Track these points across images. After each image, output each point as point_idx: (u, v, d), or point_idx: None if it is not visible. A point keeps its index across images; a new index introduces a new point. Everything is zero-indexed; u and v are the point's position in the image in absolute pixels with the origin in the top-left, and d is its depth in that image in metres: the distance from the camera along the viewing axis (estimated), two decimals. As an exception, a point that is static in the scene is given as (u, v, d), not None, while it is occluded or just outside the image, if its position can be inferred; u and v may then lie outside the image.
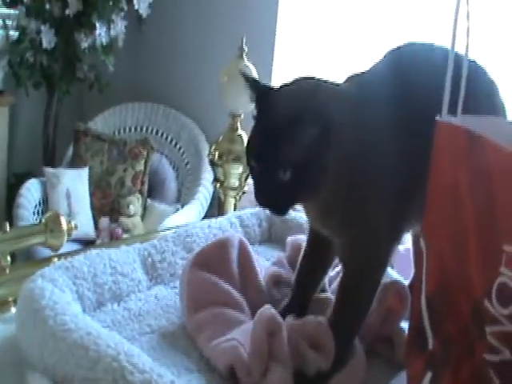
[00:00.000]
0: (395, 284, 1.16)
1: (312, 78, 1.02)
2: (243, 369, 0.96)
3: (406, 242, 2.23)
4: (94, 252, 1.17)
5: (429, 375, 0.80)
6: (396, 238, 1.06)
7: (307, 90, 0.96)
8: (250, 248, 1.21)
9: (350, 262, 1.05)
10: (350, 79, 1.07)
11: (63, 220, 1.40)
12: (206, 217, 3.17)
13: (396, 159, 1.00)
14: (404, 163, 1.00)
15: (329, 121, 0.93)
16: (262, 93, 1.00)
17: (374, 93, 1.03)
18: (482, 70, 1.10)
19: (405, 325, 1.11)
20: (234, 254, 1.18)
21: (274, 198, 0.96)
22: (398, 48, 1.10)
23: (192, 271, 1.14)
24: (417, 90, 1.03)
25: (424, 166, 0.87)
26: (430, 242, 0.83)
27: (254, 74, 2.08)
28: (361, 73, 1.08)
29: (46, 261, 1.29)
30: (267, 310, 1.01)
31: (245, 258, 1.19)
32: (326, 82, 1.02)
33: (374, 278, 1.05)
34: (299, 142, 0.92)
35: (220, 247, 1.18)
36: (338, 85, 1.04)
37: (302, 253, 1.17)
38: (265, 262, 1.40)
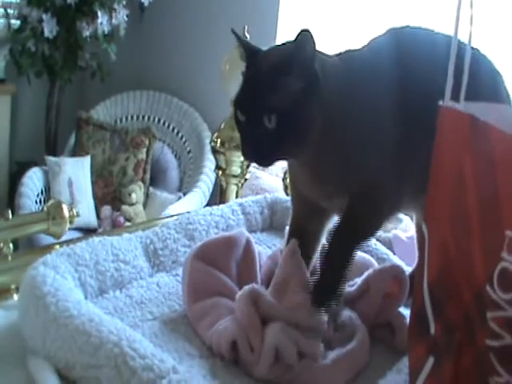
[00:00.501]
0: (394, 268, 1.16)
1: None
2: (245, 344, 0.97)
3: (409, 230, 2.24)
4: (96, 239, 1.17)
5: (431, 361, 0.80)
6: (401, 190, 1.06)
7: (295, 45, 0.96)
8: (255, 248, 1.21)
9: (354, 206, 1.04)
10: (344, 52, 1.09)
11: (65, 208, 1.40)
12: (208, 205, 3.18)
13: (384, 128, 1.02)
14: (399, 121, 1.02)
15: (314, 75, 0.95)
16: (252, 51, 1.01)
17: (366, 68, 1.05)
18: (486, 59, 1.10)
19: (405, 311, 1.12)
20: (238, 254, 1.18)
21: (259, 147, 0.96)
22: (397, 29, 1.11)
23: (193, 263, 1.14)
24: (413, 70, 1.04)
25: (419, 137, 0.92)
26: (433, 228, 0.83)
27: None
28: (352, 50, 1.10)
29: (48, 248, 1.28)
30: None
31: (247, 259, 1.19)
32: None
33: (381, 204, 1.05)
34: (284, 90, 0.93)
35: (224, 245, 1.17)
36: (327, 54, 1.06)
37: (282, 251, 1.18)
38: (266, 249, 1.40)
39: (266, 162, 0.99)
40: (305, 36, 0.94)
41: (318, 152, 0.99)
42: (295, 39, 0.95)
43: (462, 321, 0.76)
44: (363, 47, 1.10)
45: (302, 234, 1.15)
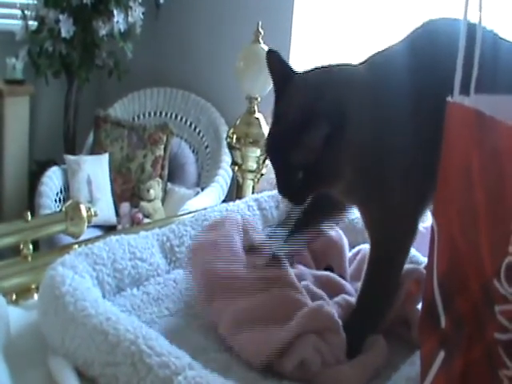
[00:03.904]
0: (415, 272, 1.16)
1: (327, 68, 1.02)
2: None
3: (427, 221, 2.23)
4: (113, 238, 1.19)
5: (441, 355, 0.80)
6: (422, 212, 1.08)
7: (314, 89, 0.96)
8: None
9: (378, 245, 1.07)
10: (371, 58, 1.06)
11: (83, 208, 1.43)
12: (226, 200, 3.19)
13: (422, 144, 1.00)
14: (428, 140, 1.01)
15: (340, 119, 0.93)
16: (280, 85, 1.01)
17: (400, 75, 1.02)
18: (508, 45, 1.07)
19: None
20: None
21: (289, 191, 1.01)
22: (428, 23, 1.09)
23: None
24: (449, 70, 1.01)
25: None
26: (441, 222, 0.83)
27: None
28: (385, 50, 1.07)
29: (67, 248, 1.31)
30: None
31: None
32: (341, 69, 1.03)
33: (401, 260, 1.08)
34: (307, 146, 0.94)
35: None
36: (353, 70, 1.04)
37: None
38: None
39: (298, 202, 1.04)
40: (322, 85, 0.96)
41: (348, 181, 1.01)
42: (319, 87, 0.96)
43: (471, 314, 0.77)
44: (391, 48, 1.07)
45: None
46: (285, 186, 1.00)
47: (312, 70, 1.02)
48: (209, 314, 1.09)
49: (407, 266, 1.23)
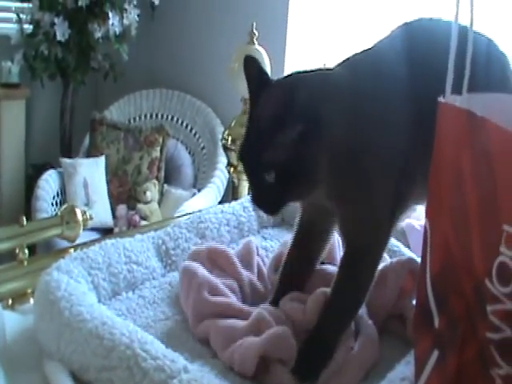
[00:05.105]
0: (410, 262, 1.17)
1: (302, 72, 1.02)
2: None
3: (422, 218, 2.23)
4: (108, 242, 1.19)
5: (435, 354, 0.81)
6: (397, 218, 1.06)
7: (287, 90, 0.95)
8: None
9: (351, 240, 1.05)
10: (347, 59, 1.06)
11: (78, 212, 1.43)
12: (222, 200, 3.20)
13: (397, 140, 1.00)
14: (407, 143, 1.00)
15: (313, 117, 0.93)
16: (254, 90, 1.00)
17: (375, 73, 1.03)
18: (494, 45, 1.08)
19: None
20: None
21: (262, 198, 0.98)
22: (408, 23, 1.09)
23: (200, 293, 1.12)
24: (426, 68, 1.00)
25: (427, 146, 0.88)
26: (434, 222, 0.84)
27: (266, 59, 2.09)
28: (364, 51, 1.07)
29: (63, 252, 1.31)
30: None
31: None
32: (316, 72, 1.02)
33: (375, 256, 1.05)
34: (279, 145, 0.93)
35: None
36: (328, 71, 1.05)
37: (287, 249, 1.17)
38: (278, 244, 1.41)
39: (271, 211, 1.01)
40: (294, 86, 0.94)
41: (325, 186, 0.99)
42: (289, 90, 0.94)
43: (464, 314, 0.77)
44: (370, 49, 1.08)
45: (310, 234, 1.15)
46: (258, 193, 0.98)
47: (287, 76, 1.02)
48: (199, 332, 1.08)
49: (401, 257, 1.23)
